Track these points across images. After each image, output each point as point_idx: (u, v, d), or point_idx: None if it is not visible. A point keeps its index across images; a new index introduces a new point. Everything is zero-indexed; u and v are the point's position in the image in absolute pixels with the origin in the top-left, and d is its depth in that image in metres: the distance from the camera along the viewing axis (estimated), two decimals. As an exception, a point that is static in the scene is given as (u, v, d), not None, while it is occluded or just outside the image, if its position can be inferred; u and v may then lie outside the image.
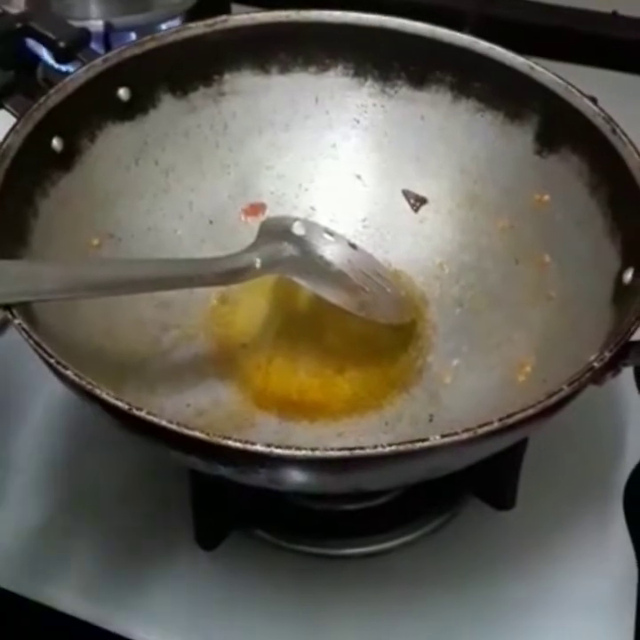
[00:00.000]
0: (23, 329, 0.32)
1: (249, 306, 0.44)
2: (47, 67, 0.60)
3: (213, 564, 0.40)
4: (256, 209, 0.47)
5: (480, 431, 0.30)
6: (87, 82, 0.41)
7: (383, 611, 0.39)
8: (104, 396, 0.31)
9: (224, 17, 0.45)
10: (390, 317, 0.42)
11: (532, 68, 0.43)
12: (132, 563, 0.40)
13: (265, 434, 0.39)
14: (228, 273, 0.39)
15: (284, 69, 0.46)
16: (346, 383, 0.41)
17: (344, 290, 0.41)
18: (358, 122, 0.47)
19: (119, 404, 0.30)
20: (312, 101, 0.47)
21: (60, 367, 0.31)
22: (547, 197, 0.43)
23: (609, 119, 0.40)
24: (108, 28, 0.58)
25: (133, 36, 0.60)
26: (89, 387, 0.31)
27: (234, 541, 0.40)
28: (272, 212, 0.47)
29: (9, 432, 0.44)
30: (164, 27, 0.58)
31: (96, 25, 0.58)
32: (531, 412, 0.30)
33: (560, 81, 0.42)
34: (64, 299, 0.35)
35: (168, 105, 0.45)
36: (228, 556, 0.40)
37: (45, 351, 0.32)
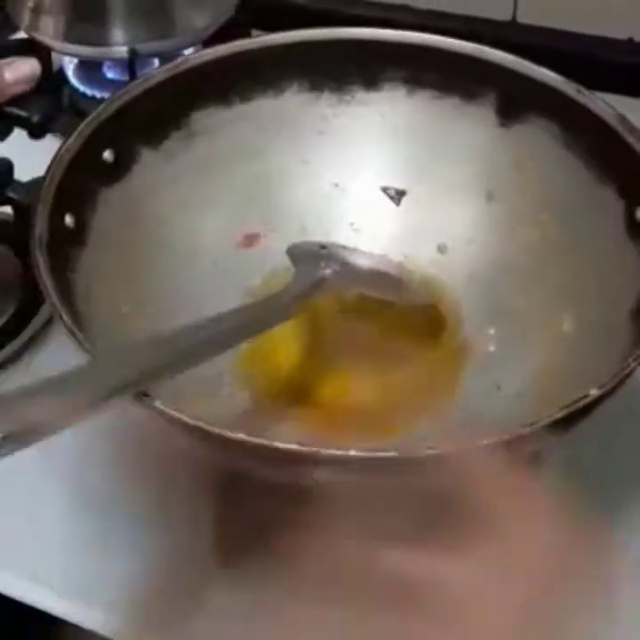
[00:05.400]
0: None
1: (283, 332, 0.45)
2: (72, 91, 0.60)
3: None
4: (251, 239, 0.48)
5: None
6: (78, 151, 0.40)
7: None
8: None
9: (183, 58, 0.45)
10: (424, 299, 0.45)
11: (482, 50, 0.46)
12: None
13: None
14: (299, 297, 0.40)
15: (245, 98, 0.47)
16: (407, 379, 0.43)
17: (382, 284, 0.45)
18: (323, 133, 0.49)
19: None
20: (277, 124, 0.48)
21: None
22: (526, 163, 0.46)
23: (570, 81, 0.44)
24: (133, 54, 0.57)
25: (156, 62, 0.59)
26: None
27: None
28: (266, 238, 0.48)
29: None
30: (187, 52, 0.56)
31: (120, 51, 0.57)
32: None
33: (512, 57, 0.45)
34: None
35: (148, 158, 0.44)
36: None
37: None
